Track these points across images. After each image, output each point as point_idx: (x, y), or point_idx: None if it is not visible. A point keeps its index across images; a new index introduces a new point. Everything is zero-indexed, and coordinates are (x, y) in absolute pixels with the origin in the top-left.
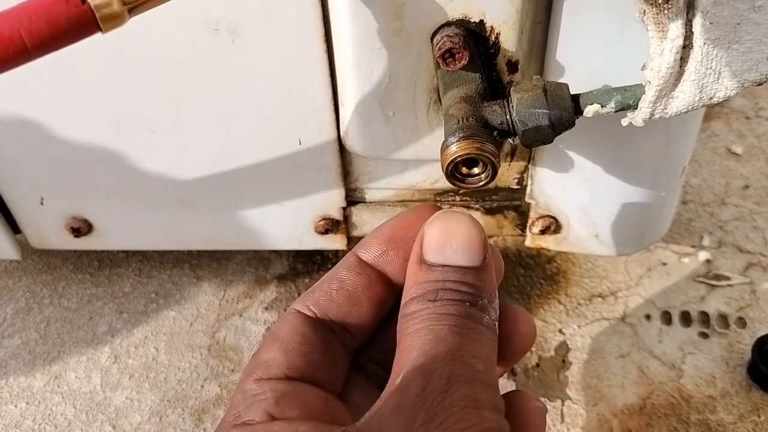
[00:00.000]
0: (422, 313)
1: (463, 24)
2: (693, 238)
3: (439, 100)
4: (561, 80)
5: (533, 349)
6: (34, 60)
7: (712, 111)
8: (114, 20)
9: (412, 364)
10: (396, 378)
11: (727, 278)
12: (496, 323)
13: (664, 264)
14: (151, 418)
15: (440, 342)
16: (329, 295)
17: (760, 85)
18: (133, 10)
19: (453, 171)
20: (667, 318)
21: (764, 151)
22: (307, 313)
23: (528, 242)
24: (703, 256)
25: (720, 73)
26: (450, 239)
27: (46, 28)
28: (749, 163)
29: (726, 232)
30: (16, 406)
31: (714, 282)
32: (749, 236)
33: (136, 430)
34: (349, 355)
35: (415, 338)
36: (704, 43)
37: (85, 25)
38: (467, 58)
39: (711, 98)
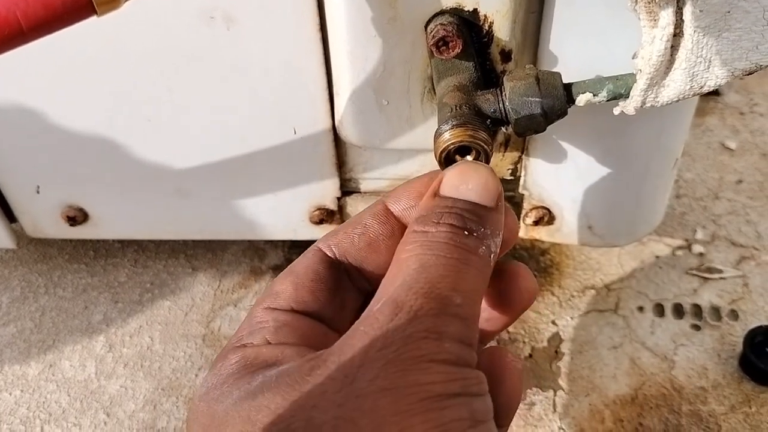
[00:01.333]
0: (417, 239)
1: (456, 12)
2: (686, 231)
3: (434, 89)
4: (554, 69)
5: (526, 339)
6: (29, 42)
7: (707, 106)
8: (109, 3)
9: (390, 295)
10: (374, 305)
11: (720, 271)
12: (493, 256)
13: (658, 257)
14: (146, 406)
15: (422, 272)
16: (351, 238)
17: (750, 74)
18: None
19: (446, 159)
20: (659, 310)
21: (758, 146)
22: (327, 252)
23: (521, 233)
24: (696, 249)
25: (710, 61)
26: (467, 180)
27: (42, 10)
28: (743, 158)
29: (719, 225)
30: (10, 394)
31: (707, 275)
32: (742, 230)
33: (130, 419)
34: (361, 299)
35: (403, 266)
36: (694, 31)
37: (80, 7)
38: (461, 47)
39: (702, 87)
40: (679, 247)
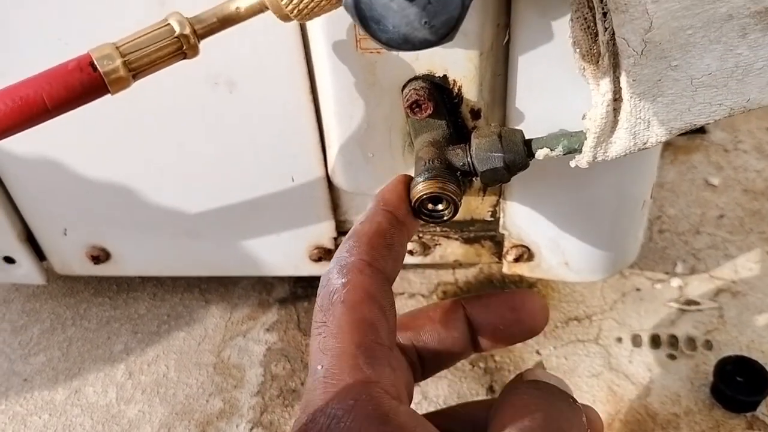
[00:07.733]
0: None
1: (428, 78)
2: (667, 265)
3: (413, 143)
4: (520, 126)
5: (511, 368)
6: (54, 118)
7: (693, 144)
8: (121, 83)
9: None
10: None
11: (697, 303)
12: None
13: (638, 289)
14: (161, 429)
15: None
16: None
17: (689, 131)
18: (137, 75)
19: (419, 207)
20: (637, 340)
21: (740, 182)
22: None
23: (505, 269)
24: (675, 282)
25: (649, 122)
26: None
27: (64, 91)
28: (725, 193)
29: (699, 260)
30: (39, 418)
31: (684, 307)
32: (720, 263)
33: None
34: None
35: None
36: (631, 97)
37: (96, 88)
38: (432, 109)
39: (645, 143)
40: (660, 281)
